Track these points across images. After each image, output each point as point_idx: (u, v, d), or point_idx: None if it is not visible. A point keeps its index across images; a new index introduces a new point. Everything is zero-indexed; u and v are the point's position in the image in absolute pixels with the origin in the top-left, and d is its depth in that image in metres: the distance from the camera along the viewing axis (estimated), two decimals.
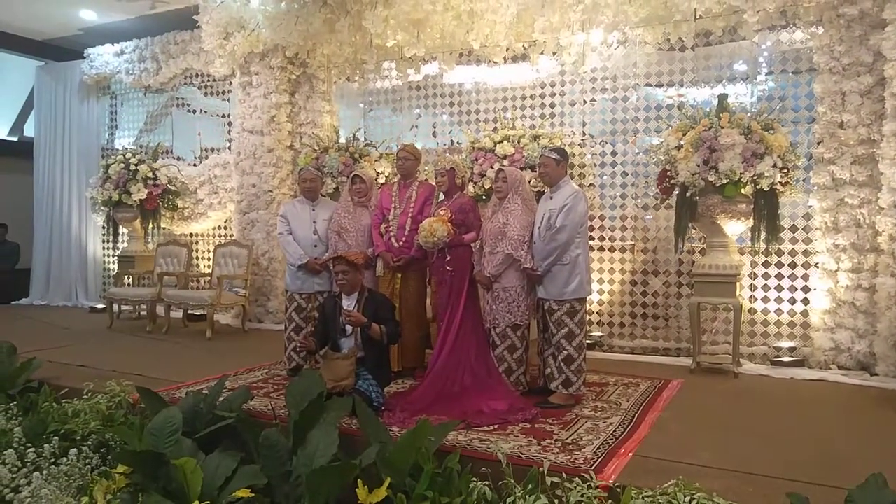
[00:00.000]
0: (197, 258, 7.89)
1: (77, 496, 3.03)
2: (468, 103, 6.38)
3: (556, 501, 2.50)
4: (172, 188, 7.46)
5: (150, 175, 7.27)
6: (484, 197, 5.50)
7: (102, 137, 8.78)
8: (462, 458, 2.90)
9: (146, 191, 7.19)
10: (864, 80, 4.65)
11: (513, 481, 2.63)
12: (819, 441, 3.26)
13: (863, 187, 4.69)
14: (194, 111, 8.16)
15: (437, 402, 3.76)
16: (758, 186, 4.48)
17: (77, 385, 4.15)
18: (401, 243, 4.49)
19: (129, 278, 7.60)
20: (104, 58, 8.26)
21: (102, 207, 7.57)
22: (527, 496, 2.51)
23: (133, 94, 8.53)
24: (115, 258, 8.02)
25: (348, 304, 3.87)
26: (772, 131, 4.57)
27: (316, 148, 6.32)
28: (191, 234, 7.99)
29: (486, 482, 2.69)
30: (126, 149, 7.83)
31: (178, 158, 8.08)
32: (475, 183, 5.55)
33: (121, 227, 7.73)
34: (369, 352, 3.83)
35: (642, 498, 2.41)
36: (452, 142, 6.52)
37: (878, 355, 4.53)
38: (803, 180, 4.94)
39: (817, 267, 4.87)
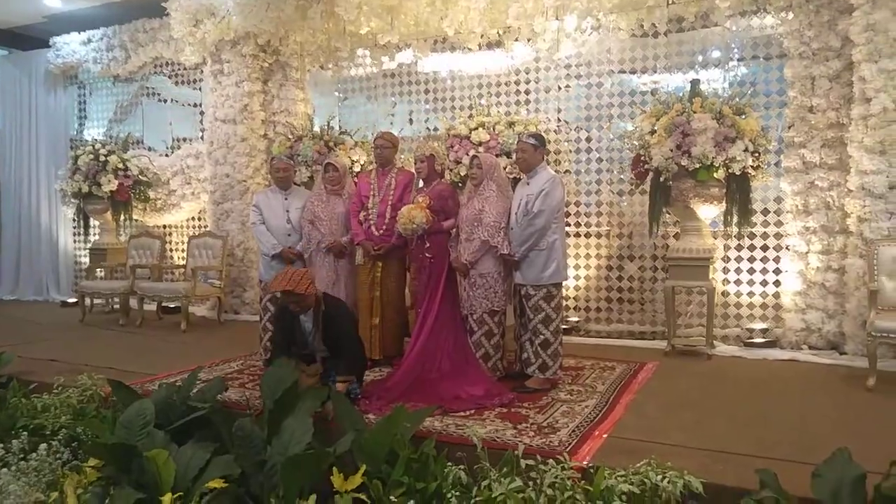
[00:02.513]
0: (170, 250, 7.78)
1: (47, 491, 2.97)
2: (443, 90, 6.36)
3: (531, 483, 2.51)
4: (144, 179, 7.32)
5: (120, 166, 7.12)
6: (460, 184, 5.48)
7: (71, 128, 8.58)
8: (438, 443, 2.91)
9: (117, 182, 7.05)
10: (833, 64, 4.72)
11: (488, 465, 2.64)
12: (789, 419, 3.32)
13: (832, 170, 4.76)
14: (165, 101, 8.01)
15: (414, 388, 3.76)
16: (730, 170, 4.53)
17: (48, 380, 4.09)
18: (381, 231, 4.46)
19: (101, 271, 7.46)
20: (70, 46, 8.06)
21: (72, 200, 7.41)
22: (501, 479, 2.52)
23: (102, 84, 8.35)
24: (87, 251, 7.87)
25: (306, 320, 3.63)
26: (743, 116, 4.62)
27: (290, 137, 6.24)
28: (164, 226, 7.86)
29: (462, 466, 2.69)
30: (96, 140, 7.66)
31: (150, 149, 7.93)
32: (451, 170, 5.53)
33: (92, 219, 7.57)
34: (334, 350, 3.65)
35: (615, 478, 2.43)
36: (430, 129, 6.48)
37: (847, 334, 4.63)
38: (775, 164, 5.00)
39: (788, 249, 4.94)
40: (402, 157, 5.59)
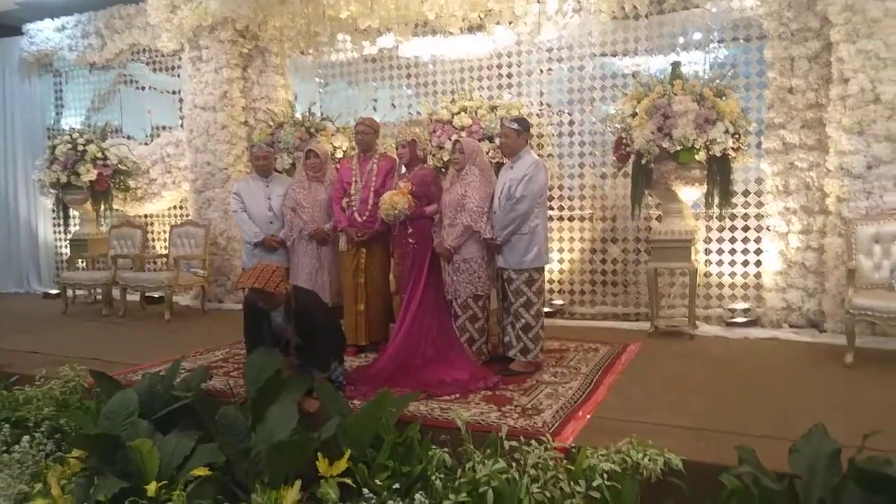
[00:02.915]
0: (152, 239, 7.70)
1: (31, 483, 2.96)
2: (425, 75, 6.32)
3: (515, 465, 2.54)
4: (123, 168, 7.23)
5: (99, 155, 7.01)
6: (443, 169, 5.46)
7: (48, 117, 8.43)
8: (423, 427, 2.93)
9: (96, 172, 6.94)
10: (812, 45, 4.74)
11: (472, 447, 2.66)
12: (769, 397, 3.38)
13: (811, 151, 4.80)
14: (143, 88, 7.89)
15: (399, 374, 3.77)
16: (711, 152, 4.55)
17: (29, 372, 4.04)
18: (364, 218, 4.44)
19: (82, 262, 7.39)
20: (45, 33, 7.90)
21: (51, 190, 7.30)
22: (485, 460, 2.54)
23: (78, 72, 8.19)
24: (68, 242, 7.77)
25: (276, 315, 3.47)
26: (724, 98, 4.63)
27: (271, 123, 6.18)
28: (145, 216, 7.77)
29: (446, 449, 2.71)
30: (73, 129, 7.54)
31: (129, 137, 7.82)
32: (433, 155, 5.51)
33: (71, 209, 7.48)
34: (308, 343, 3.49)
35: (597, 457, 2.46)
36: (412, 114, 6.44)
37: (827, 313, 4.70)
38: (755, 145, 5.04)
39: (769, 230, 4.99)
40: (385, 142, 5.56)
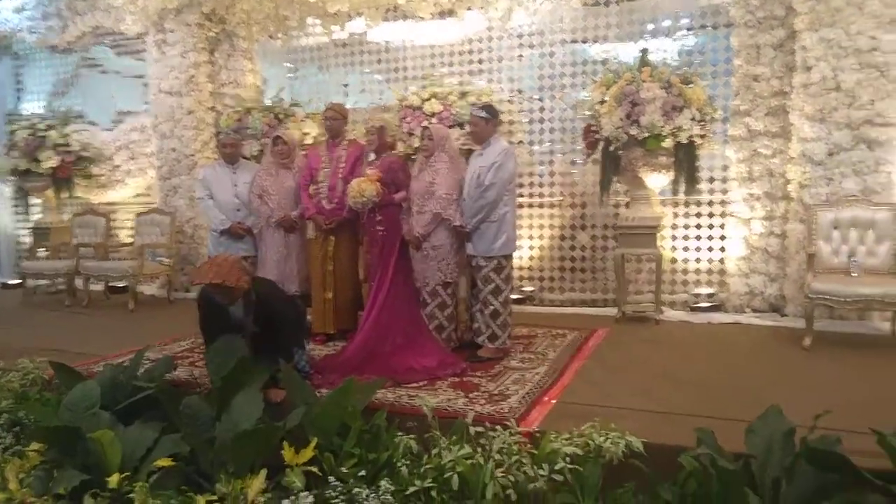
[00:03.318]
0: (116, 228, 7.52)
1: None
2: (395, 60, 6.26)
3: (480, 450, 2.56)
4: (86, 155, 7.03)
5: (60, 141, 6.82)
6: (413, 156, 5.44)
7: (8, 102, 8.16)
8: (390, 414, 2.94)
9: (57, 158, 6.76)
10: (777, 33, 4.81)
11: (438, 433, 2.67)
12: (729, 379, 3.45)
13: (775, 138, 4.88)
14: (107, 72, 7.68)
15: (368, 362, 3.76)
16: (677, 139, 4.60)
17: None
18: (332, 205, 4.41)
19: (44, 251, 7.20)
20: (2, 14, 7.60)
21: (10, 177, 7.10)
22: (451, 447, 2.56)
23: (39, 55, 7.93)
24: (29, 231, 7.57)
25: (235, 309, 3.34)
26: (691, 85, 4.67)
27: (238, 109, 6.08)
28: (109, 203, 7.58)
29: (413, 436, 2.72)
30: (34, 114, 7.32)
31: (92, 123, 7.60)
32: (404, 142, 5.47)
33: (32, 197, 7.28)
34: (268, 330, 3.37)
35: (560, 441, 2.49)
36: (382, 99, 6.38)
37: (788, 297, 4.80)
38: (722, 133, 5.10)
39: (733, 216, 5.07)
40: (355, 128, 5.51)
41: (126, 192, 7.47)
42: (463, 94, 5.46)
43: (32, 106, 7.95)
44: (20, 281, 6.94)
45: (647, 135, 4.58)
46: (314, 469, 2.60)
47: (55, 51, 7.71)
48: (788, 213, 4.81)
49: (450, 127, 5.11)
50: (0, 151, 7.05)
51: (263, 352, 3.30)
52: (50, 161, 6.73)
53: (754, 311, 4.96)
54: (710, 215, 5.27)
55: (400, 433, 2.77)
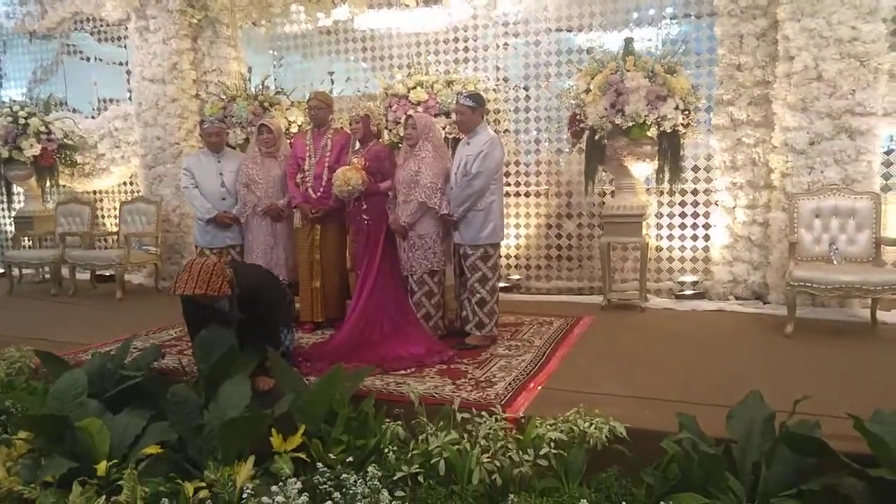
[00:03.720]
0: (102, 216, 7.48)
1: None
2: (381, 48, 6.24)
3: (467, 436, 2.59)
4: (69, 143, 6.97)
5: (42, 129, 6.74)
6: (400, 145, 5.43)
7: None
8: (377, 401, 2.96)
9: (39, 146, 6.68)
10: (760, 22, 4.84)
11: (425, 419, 2.70)
12: (712, 366, 3.51)
13: (758, 127, 4.93)
14: (88, 59, 7.58)
15: (355, 350, 3.79)
16: (661, 128, 4.63)
17: None
18: (318, 194, 4.40)
19: (28, 240, 7.13)
20: None
21: None
22: (438, 433, 2.59)
23: (17, 41, 7.81)
24: (12, 220, 7.49)
25: (220, 304, 3.29)
26: (675, 74, 4.70)
27: (223, 97, 6.03)
28: (94, 192, 7.54)
29: (400, 422, 2.75)
30: (14, 101, 7.21)
31: (74, 111, 7.54)
32: (390, 131, 5.46)
33: (14, 185, 7.20)
34: (253, 316, 3.35)
35: (545, 427, 2.53)
36: (367, 88, 6.35)
37: (771, 285, 4.88)
38: (706, 122, 5.14)
39: (717, 204, 5.13)
40: (341, 117, 5.49)
41: (111, 180, 7.41)
42: (449, 83, 5.45)
43: (12, 93, 7.84)
44: (3, 271, 6.86)
45: (631, 123, 4.61)
46: (302, 455, 2.63)
47: (34, 37, 7.60)
48: (771, 202, 4.87)
49: (435, 116, 5.10)
50: None
51: (250, 337, 3.29)
52: (32, 149, 6.66)
53: (737, 298, 5.03)
54: (695, 204, 5.32)
55: (387, 420, 2.80)
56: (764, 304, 4.89)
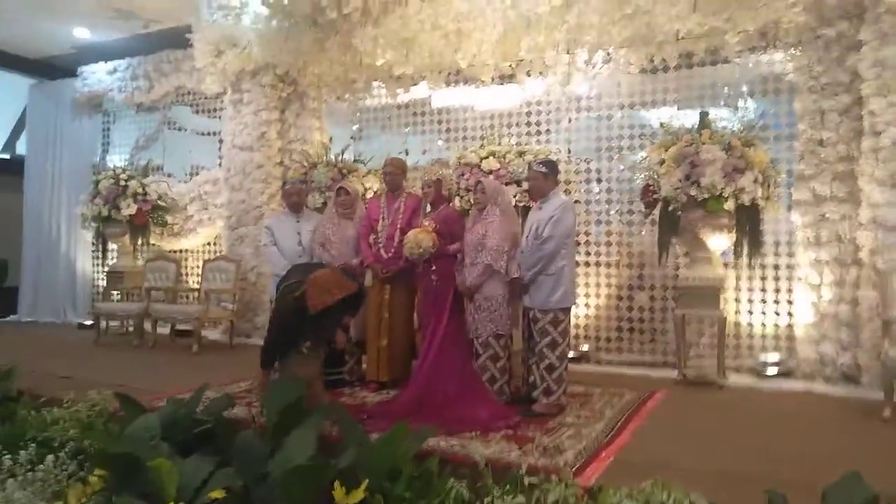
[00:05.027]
0: (186, 274, 7.87)
1: (52, 501, 2.98)
2: (456, 122, 6.45)
3: (535, 502, 2.48)
4: (162, 204, 7.48)
5: (140, 191, 7.28)
6: (470, 211, 5.53)
7: (95, 155, 8.79)
8: (441, 461, 2.89)
9: (136, 206, 7.20)
10: (842, 99, 4.75)
11: (491, 482, 2.61)
12: (800, 448, 3.26)
13: (843, 203, 4.75)
14: (184, 129, 8.22)
15: (419, 410, 3.75)
16: (739, 201, 4.55)
17: (59, 395, 4.10)
18: (390, 254, 4.50)
19: (117, 294, 7.56)
20: (97, 76, 8.34)
21: (92, 223, 7.57)
22: (504, 496, 2.49)
23: (125, 112, 8.58)
24: (104, 274, 7.99)
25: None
26: (752, 148, 4.65)
27: (305, 164, 6.37)
28: (180, 250, 7.98)
29: (464, 482, 2.67)
30: (117, 166, 7.86)
31: (169, 175, 8.11)
32: (461, 198, 5.59)
33: (110, 242, 7.73)
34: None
35: (620, 495, 2.40)
36: (441, 159, 6.54)
37: (863, 366, 4.55)
38: (785, 197, 5.00)
39: (800, 280, 4.91)
40: (414, 184, 5.66)
41: (197, 240, 7.84)
42: (520, 154, 5.57)
43: (116, 159, 8.54)
44: (92, 322, 7.25)
45: (707, 195, 4.55)
46: None
47: (140, 108, 8.34)
48: (860, 280, 4.62)
49: (506, 184, 5.19)
50: (85, 200, 7.55)
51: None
52: (129, 209, 7.17)
53: (826, 379, 4.71)
54: (776, 279, 5.11)
55: (452, 479, 2.72)
56: (856, 386, 4.56)
